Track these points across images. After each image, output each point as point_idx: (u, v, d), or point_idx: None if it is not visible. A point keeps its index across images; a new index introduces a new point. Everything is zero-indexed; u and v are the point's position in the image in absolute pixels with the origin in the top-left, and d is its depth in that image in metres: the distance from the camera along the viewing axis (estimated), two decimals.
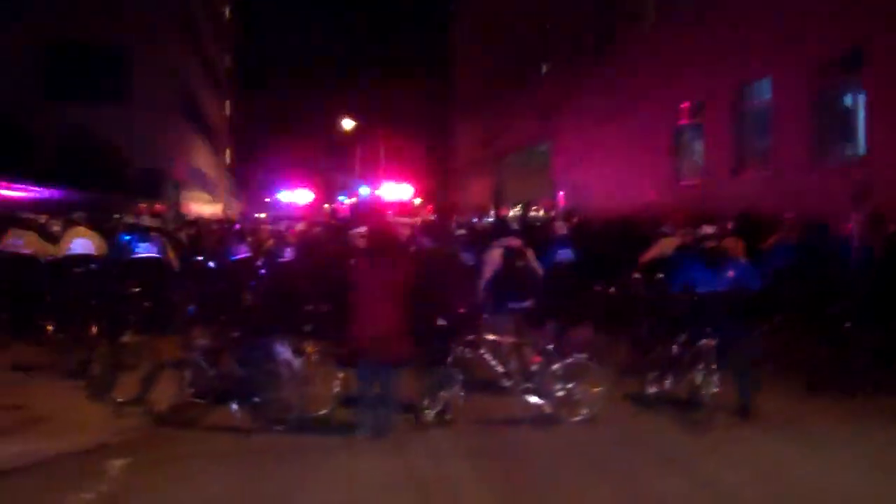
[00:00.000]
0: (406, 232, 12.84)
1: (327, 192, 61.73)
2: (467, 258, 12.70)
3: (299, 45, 66.38)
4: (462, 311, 9.92)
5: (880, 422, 9.75)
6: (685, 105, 25.73)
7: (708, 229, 10.33)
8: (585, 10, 33.06)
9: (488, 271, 11.04)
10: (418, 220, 16.68)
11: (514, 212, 39.96)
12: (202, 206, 53.10)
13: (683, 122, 26.01)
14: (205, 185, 53.36)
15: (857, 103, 18.12)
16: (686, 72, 24.67)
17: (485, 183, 48.86)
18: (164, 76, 37.60)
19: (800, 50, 19.09)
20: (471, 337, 9.72)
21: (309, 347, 10.14)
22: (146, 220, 16.05)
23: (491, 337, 9.93)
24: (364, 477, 8.07)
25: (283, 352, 9.57)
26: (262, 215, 50.40)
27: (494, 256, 11.12)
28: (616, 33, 30.46)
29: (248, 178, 70.51)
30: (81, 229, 15.14)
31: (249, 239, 18.49)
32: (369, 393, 9.23)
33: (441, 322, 9.78)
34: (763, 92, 21.63)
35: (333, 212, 48.81)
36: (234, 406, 9.59)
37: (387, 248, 9.53)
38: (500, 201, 44.38)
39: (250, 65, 67.91)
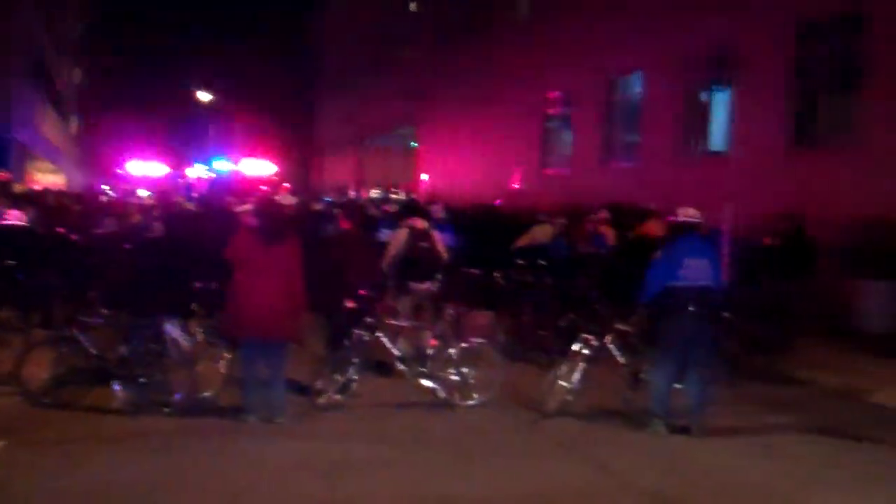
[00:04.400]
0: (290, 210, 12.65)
1: (182, 165, 59.85)
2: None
3: (154, 14, 64.04)
4: (365, 292, 9.76)
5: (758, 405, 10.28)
6: (554, 95, 26.11)
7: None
8: None
9: (392, 251, 10.93)
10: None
11: (374, 193, 39.85)
12: (46, 177, 50.67)
13: (552, 111, 26.39)
14: (50, 154, 50.91)
15: (724, 99, 18.80)
16: (556, 62, 25.01)
17: (346, 163, 48.45)
18: (9, 41, 35.43)
19: (670, 45, 19.65)
20: (370, 319, 9.58)
21: (194, 326, 9.80)
22: (16, 188, 15.25)
23: (390, 320, 9.85)
24: (256, 461, 7.80)
25: (173, 331, 9.19)
26: (107, 187, 48.41)
27: (399, 237, 11.01)
28: (487, 19, 30.56)
29: (96, 148, 67.66)
30: None
31: None
32: (255, 374, 8.96)
33: (350, 303, 9.62)
34: (633, 85, 22.20)
35: (189, 187, 47.60)
36: (117, 387, 9.16)
37: (277, 225, 9.29)
38: (361, 183, 44.15)
39: (101, 32, 65.00)
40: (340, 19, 49.60)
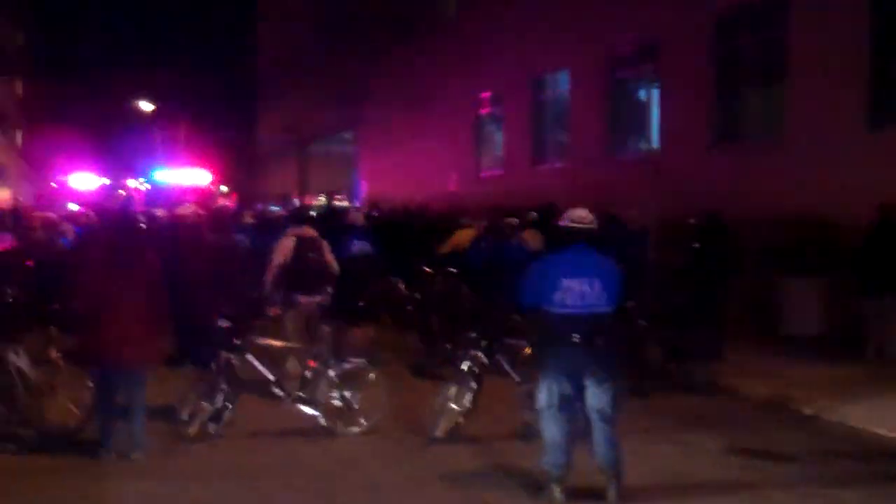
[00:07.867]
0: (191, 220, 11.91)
1: (123, 176, 58.59)
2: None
3: (98, 23, 62.74)
4: (236, 309, 8.93)
5: (677, 420, 9.57)
6: (486, 95, 25.52)
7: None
8: None
9: (277, 262, 10.16)
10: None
11: (317, 201, 39.01)
12: None
13: (484, 112, 25.80)
14: None
15: (650, 97, 18.25)
16: (486, 62, 24.40)
17: (289, 171, 47.63)
18: None
19: (596, 42, 19.10)
20: (238, 341, 8.75)
21: (53, 352, 8.93)
22: None
23: (260, 340, 9.04)
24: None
25: (18, 359, 8.36)
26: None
27: (285, 246, 10.25)
28: (420, 21, 29.95)
29: (42, 161, 66.06)
30: None
31: None
32: (111, 405, 8.12)
33: (223, 323, 8.75)
34: (561, 84, 21.62)
35: (129, 198, 46.50)
36: None
37: (129, 241, 8.51)
38: (304, 190, 43.32)
39: (46, 43, 63.47)
40: (281, 22, 48.76)
